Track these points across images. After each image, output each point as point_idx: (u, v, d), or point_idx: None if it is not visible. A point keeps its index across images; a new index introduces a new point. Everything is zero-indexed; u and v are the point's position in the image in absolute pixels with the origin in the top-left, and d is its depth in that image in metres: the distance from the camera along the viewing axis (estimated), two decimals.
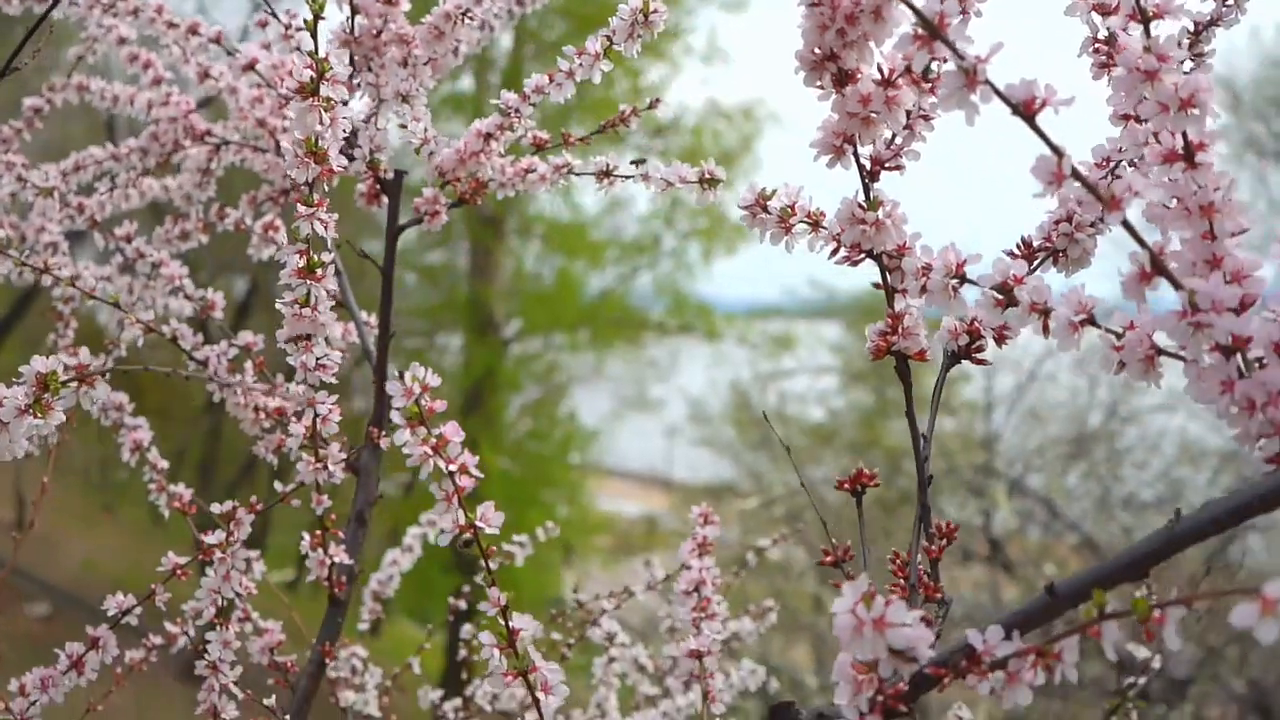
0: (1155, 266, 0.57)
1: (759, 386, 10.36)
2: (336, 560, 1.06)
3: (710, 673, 1.04)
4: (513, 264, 11.98)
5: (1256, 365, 0.58)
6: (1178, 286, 0.56)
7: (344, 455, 1.00)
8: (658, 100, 1.10)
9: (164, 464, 1.18)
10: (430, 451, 0.68)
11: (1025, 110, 0.56)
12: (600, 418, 12.25)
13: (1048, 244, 0.76)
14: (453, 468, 0.68)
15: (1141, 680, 1.23)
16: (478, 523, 0.69)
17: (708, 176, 0.93)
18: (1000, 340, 0.75)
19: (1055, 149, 0.56)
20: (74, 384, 0.74)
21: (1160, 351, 0.60)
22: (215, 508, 0.97)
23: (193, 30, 1.18)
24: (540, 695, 0.71)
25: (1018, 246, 0.76)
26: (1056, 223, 0.76)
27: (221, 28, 1.19)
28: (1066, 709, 6.44)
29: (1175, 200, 0.61)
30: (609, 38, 0.95)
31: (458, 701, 1.43)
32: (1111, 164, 0.76)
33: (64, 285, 1.07)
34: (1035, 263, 0.76)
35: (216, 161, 1.29)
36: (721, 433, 11.25)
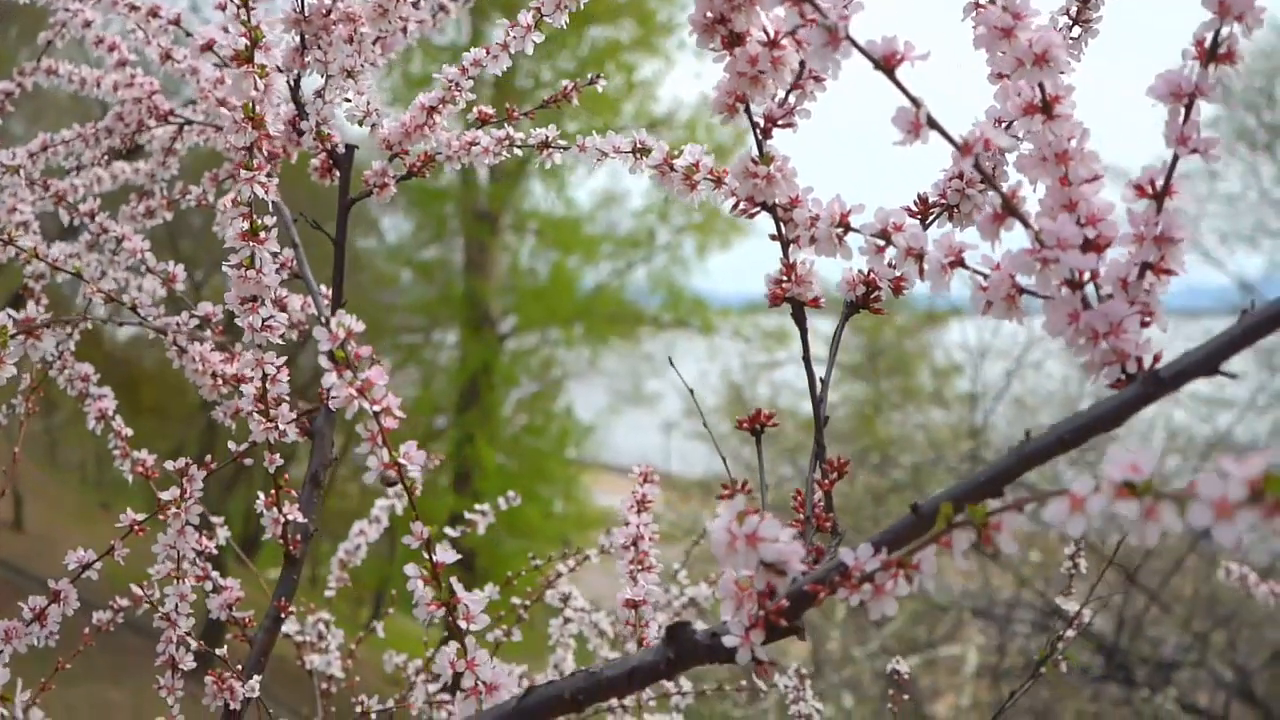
0: (1007, 208, 0.62)
1: (750, 379, 10.39)
2: (291, 519, 1.10)
3: (645, 621, 1.09)
4: (508, 259, 12.03)
5: (1108, 300, 0.63)
6: (1027, 226, 0.61)
7: (294, 416, 1.05)
8: (599, 76, 1.14)
9: (128, 431, 1.23)
10: (355, 393, 0.73)
11: (886, 64, 0.60)
12: (596, 412, 12.29)
13: (942, 200, 0.81)
14: (377, 408, 0.73)
15: (1070, 634, 1.27)
16: (401, 460, 0.74)
17: (639, 146, 0.97)
18: (897, 291, 0.79)
19: (914, 100, 0.60)
20: (20, 336, 0.79)
21: (1021, 290, 0.64)
22: (169, 465, 1.02)
23: (153, 13, 1.22)
24: (462, 624, 0.76)
25: (914, 202, 0.81)
26: (950, 179, 0.80)
27: (181, 11, 1.23)
28: (1055, 695, 6.49)
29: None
30: (539, 9, 1.00)
31: (419, 663, 1.47)
32: (1004, 123, 0.81)
33: (29, 255, 1.12)
34: (930, 217, 0.80)
35: (180, 141, 1.34)
36: (718, 426, 11.25)
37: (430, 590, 0.75)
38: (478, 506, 1.54)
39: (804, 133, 0.79)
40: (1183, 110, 0.61)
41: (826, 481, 0.73)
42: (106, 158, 1.35)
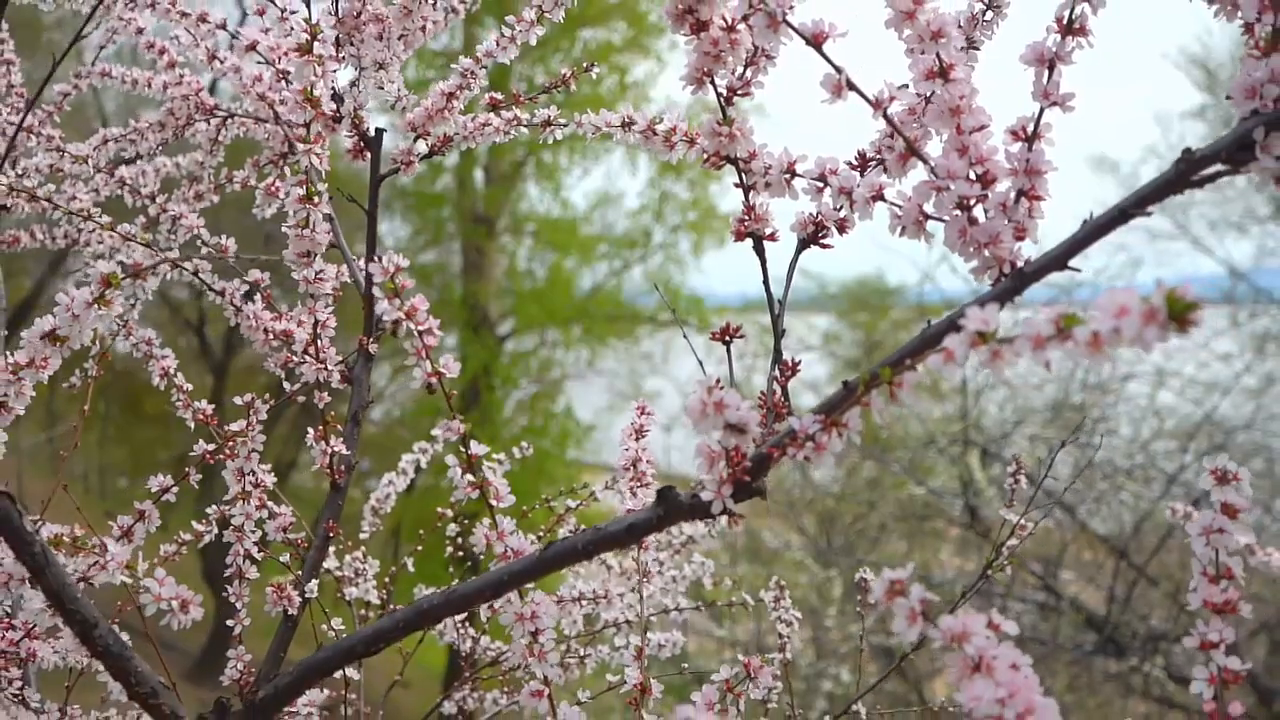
0: (910, 150, 0.79)
1: (747, 371, 10.56)
2: (337, 451, 1.28)
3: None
4: (505, 262, 12.20)
5: (990, 219, 0.81)
6: (926, 163, 0.79)
7: (340, 359, 1.23)
8: (593, 64, 1.33)
9: (189, 386, 1.40)
10: (404, 316, 0.90)
11: (815, 41, 0.78)
12: (596, 412, 12.43)
13: (878, 154, 0.98)
14: (422, 328, 0.91)
15: (1014, 542, 1.44)
16: (441, 369, 0.92)
17: (627, 120, 1.15)
18: (841, 230, 0.97)
19: (836, 68, 0.78)
20: (130, 279, 0.96)
21: (927, 216, 0.82)
22: (236, 400, 1.20)
23: (202, 19, 1.40)
24: (493, 502, 0.94)
25: (855, 158, 0.99)
26: (883, 139, 0.98)
27: (225, 16, 1.41)
28: (1047, 670, 6.66)
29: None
30: (540, 7, 1.18)
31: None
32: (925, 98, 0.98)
33: (105, 229, 1.30)
34: (868, 169, 0.98)
35: (224, 133, 1.52)
36: None
37: (468, 475, 0.93)
38: (494, 456, 1.71)
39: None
40: (1046, 71, 0.79)
41: (783, 378, 0.91)
42: (159, 148, 1.53)
